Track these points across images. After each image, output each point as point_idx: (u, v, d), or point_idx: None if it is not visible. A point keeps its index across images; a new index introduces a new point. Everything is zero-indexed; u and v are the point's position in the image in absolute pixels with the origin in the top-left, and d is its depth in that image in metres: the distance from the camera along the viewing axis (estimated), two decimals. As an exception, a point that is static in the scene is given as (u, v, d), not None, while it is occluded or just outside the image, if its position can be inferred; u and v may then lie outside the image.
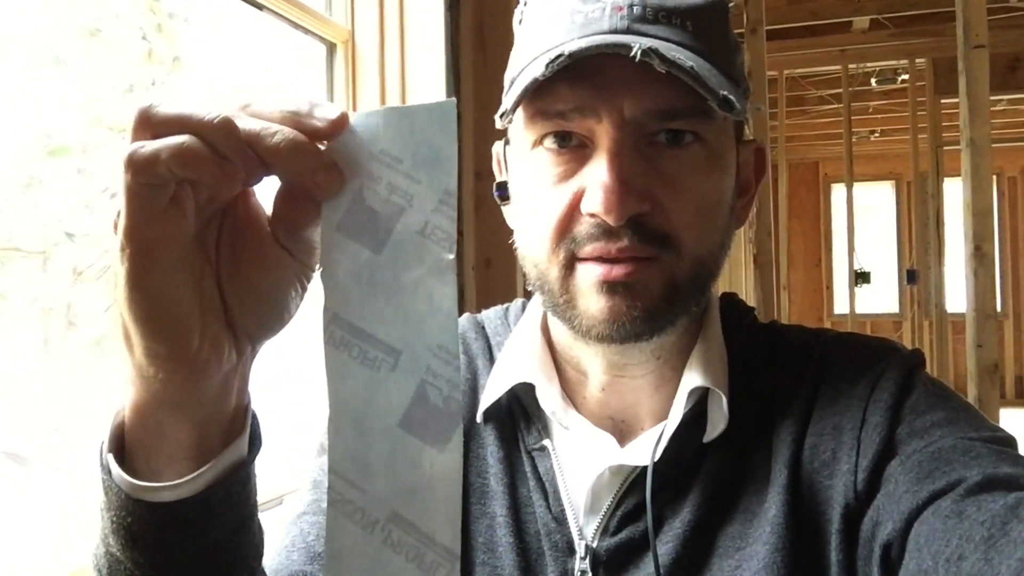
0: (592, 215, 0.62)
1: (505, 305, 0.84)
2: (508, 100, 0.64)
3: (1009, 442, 0.61)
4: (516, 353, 0.75)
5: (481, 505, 0.72)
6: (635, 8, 0.62)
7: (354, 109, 1.62)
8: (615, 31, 0.62)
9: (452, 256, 0.45)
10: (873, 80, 6.25)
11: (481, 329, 0.82)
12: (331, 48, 1.67)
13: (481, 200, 1.32)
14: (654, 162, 0.62)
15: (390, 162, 0.45)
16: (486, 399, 0.74)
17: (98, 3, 2.25)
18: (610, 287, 0.62)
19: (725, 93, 0.59)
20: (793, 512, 0.64)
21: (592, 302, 0.63)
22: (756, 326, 0.76)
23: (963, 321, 2.68)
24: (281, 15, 1.49)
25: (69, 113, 2.38)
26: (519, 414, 0.74)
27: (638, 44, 0.57)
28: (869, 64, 5.94)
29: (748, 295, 5.59)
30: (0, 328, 2.33)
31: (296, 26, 1.55)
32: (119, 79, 2.43)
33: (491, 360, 0.78)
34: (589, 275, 0.63)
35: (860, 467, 0.62)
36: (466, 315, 0.85)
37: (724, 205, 0.67)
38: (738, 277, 6.21)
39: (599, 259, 0.62)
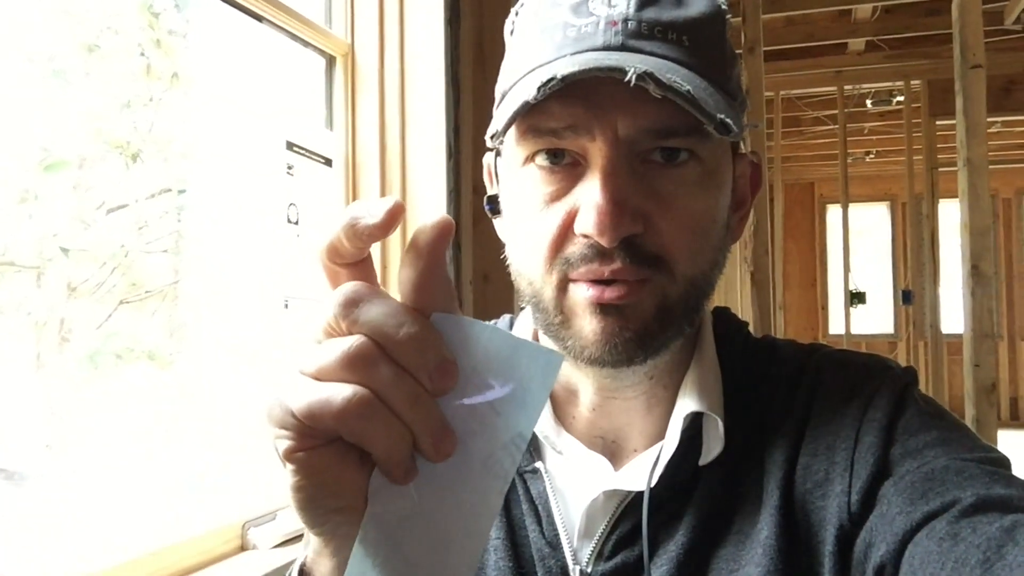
0: (585, 236, 0.60)
1: (492, 321, 0.82)
2: (499, 120, 0.63)
3: (1002, 463, 0.60)
4: None
5: None
6: (630, 24, 0.60)
7: (354, 124, 1.61)
8: (608, 47, 0.60)
9: (502, 498, 0.43)
10: (869, 101, 6.29)
11: None
12: (331, 61, 1.67)
13: (479, 215, 1.31)
14: (648, 181, 0.61)
15: (479, 384, 0.42)
16: None
17: (97, 19, 2.25)
18: (603, 309, 0.61)
19: (722, 116, 0.58)
20: (786, 534, 0.63)
21: (585, 323, 0.62)
22: (749, 342, 0.75)
23: (958, 342, 2.66)
24: (281, 27, 1.49)
25: (67, 128, 2.38)
26: None
27: (633, 68, 0.56)
28: (865, 85, 5.98)
29: (745, 314, 5.60)
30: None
31: (295, 38, 1.54)
32: (117, 94, 2.43)
33: None
34: (582, 296, 0.62)
35: (854, 488, 0.62)
36: None
37: (719, 223, 0.65)
38: (733, 296, 6.21)
39: (592, 281, 0.61)
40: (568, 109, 0.60)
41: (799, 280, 9.45)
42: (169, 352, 1.19)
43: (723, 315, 0.77)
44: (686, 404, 0.67)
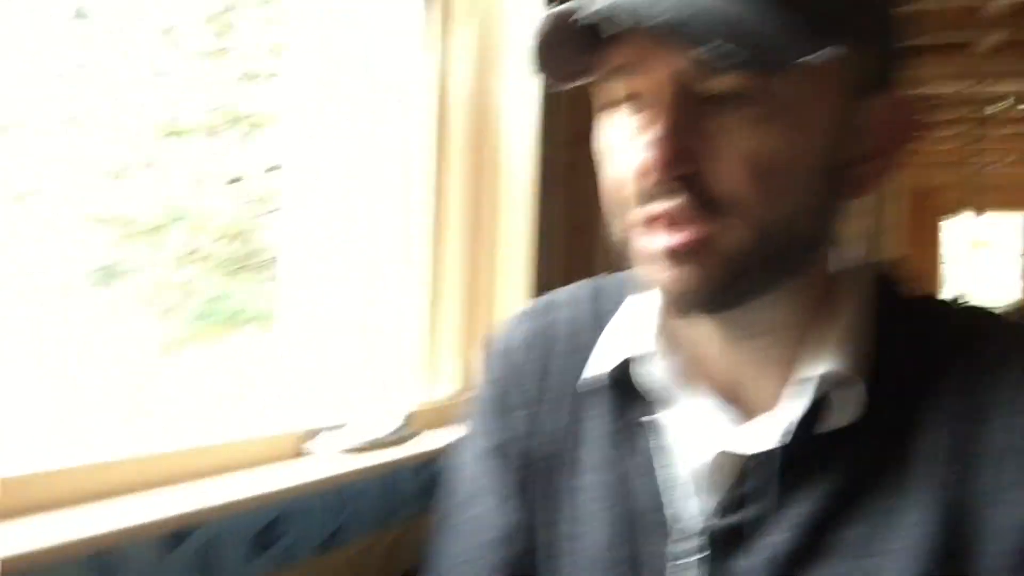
0: (644, 175, 0.58)
1: (585, 281, 0.82)
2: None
3: None
4: (630, 321, 0.71)
5: (575, 479, 0.71)
6: None
7: (446, 65, 1.51)
8: None
9: None
10: (1002, 103, 5.95)
11: (597, 294, 0.79)
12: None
13: (572, 166, 1.28)
14: (708, 119, 0.57)
15: None
16: (593, 368, 0.71)
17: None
18: (669, 255, 0.59)
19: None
20: (938, 533, 0.58)
21: (656, 271, 0.61)
22: (908, 303, 0.67)
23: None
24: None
25: (191, 99, 2.50)
26: (627, 386, 0.69)
27: (596, 5, 0.54)
28: (999, 88, 5.67)
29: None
30: (119, 304, 2.46)
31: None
32: (240, 67, 2.54)
33: (600, 327, 0.74)
34: (650, 242, 0.60)
35: None
36: (587, 280, 0.82)
37: (802, 165, 0.58)
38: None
39: (659, 222, 0.59)
40: (622, 49, 0.59)
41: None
42: (273, 315, 1.24)
43: (882, 271, 0.69)
44: (820, 364, 0.61)
